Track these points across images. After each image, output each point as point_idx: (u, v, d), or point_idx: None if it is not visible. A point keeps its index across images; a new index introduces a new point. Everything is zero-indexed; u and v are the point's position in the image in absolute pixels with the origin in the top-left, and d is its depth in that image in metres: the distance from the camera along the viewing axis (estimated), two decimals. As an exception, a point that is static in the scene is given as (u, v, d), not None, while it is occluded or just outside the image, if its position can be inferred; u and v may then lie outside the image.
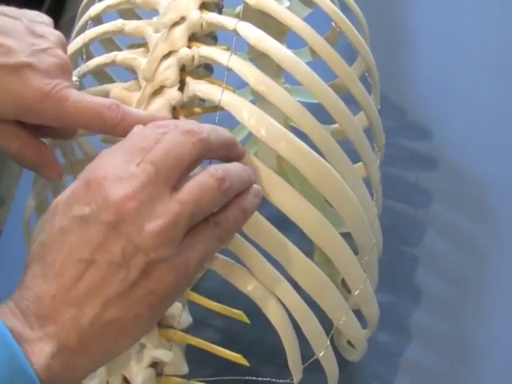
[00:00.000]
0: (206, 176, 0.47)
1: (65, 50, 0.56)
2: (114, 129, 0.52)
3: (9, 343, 0.42)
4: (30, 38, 0.53)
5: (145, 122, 0.51)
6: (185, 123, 0.48)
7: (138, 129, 0.50)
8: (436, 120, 0.76)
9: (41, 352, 0.42)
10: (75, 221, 0.44)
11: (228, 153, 0.51)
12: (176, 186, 0.46)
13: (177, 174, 0.46)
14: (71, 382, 0.45)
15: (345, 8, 0.62)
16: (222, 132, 0.50)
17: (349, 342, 0.63)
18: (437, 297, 0.70)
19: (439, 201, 0.73)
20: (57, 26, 0.57)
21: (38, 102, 0.51)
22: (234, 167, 0.49)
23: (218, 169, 0.47)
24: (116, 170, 0.45)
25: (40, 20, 0.56)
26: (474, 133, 0.76)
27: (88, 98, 0.52)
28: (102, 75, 0.67)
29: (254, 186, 0.50)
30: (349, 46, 0.60)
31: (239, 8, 0.64)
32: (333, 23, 0.63)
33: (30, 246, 0.63)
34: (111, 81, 0.68)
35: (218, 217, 0.48)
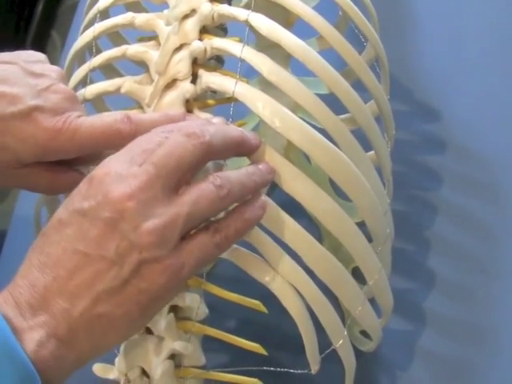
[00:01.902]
0: (205, 182, 0.47)
1: (65, 82, 0.56)
2: (132, 140, 0.52)
3: (2, 329, 0.42)
4: (30, 79, 0.54)
5: (158, 124, 0.52)
6: (188, 126, 0.48)
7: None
8: (444, 103, 0.76)
9: (31, 340, 0.43)
10: (74, 214, 0.45)
11: (236, 151, 0.51)
12: (177, 188, 0.47)
13: (177, 175, 0.47)
14: (58, 373, 0.45)
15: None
16: (229, 131, 0.50)
17: (361, 332, 0.63)
18: (450, 282, 0.69)
19: (450, 184, 0.73)
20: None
21: (52, 140, 0.52)
22: (236, 174, 0.50)
23: (217, 176, 0.48)
24: (118, 168, 0.46)
25: (35, 59, 0.56)
26: (483, 115, 0.76)
27: (99, 120, 0.53)
28: (108, 68, 0.67)
29: (262, 197, 0.51)
30: (354, 32, 0.60)
31: (246, 0, 0.64)
32: (340, 12, 0.63)
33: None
34: (118, 74, 0.68)
35: (219, 224, 0.49)
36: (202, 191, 0.47)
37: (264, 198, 0.51)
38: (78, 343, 0.45)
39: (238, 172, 0.50)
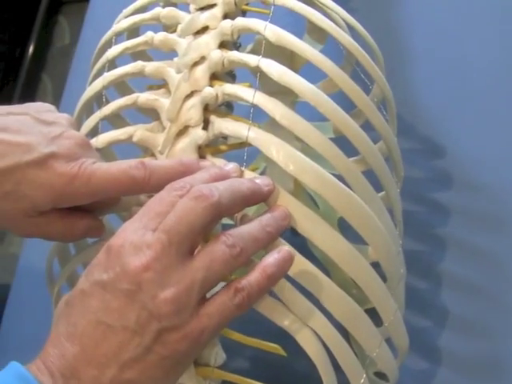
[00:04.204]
0: (217, 243, 0.48)
1: (76, 128, 0.57)
2: (146, 186, 0.53)
3: None
4: (43, 127, 0.55)
5: (173, 170, 0.53)
6: (197, 188, 0.49)
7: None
8: (449, 138, 0.76)
9: None
10: (95, 286, 0.47)
11: (248, 204, 0.52)
12: (190, 251, 0.48)
13: (189, 240, 0.47)
14: None
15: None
16: (239, 186, 0.51)
17: (376, 374, 0.63)
18: (463, 318, 0.69)
19: (459, 220, 0.72)
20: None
21: (68, 186, 0.52)
22: (248, 229, 0.50)
23: (229, 235, 0.48)
24: (133, 237, 0.47)
25: (45, 109, 0.57)
26: (489, 148, 0.75)
27: (114, 166, 0.54)
28: (116, 118, 0.67)
29: (285, 248, 0.51)
30: (358, 73, 0.61)
31: (250, 46, 0.65)
32: (345, 54, 0.64)
33: (53, 296, 0.63)
34: (125, 123, 0.68)
35: (240, 284, 0.49)
36: (214, 253, 0.47)
37: (287, 248, 0.51)
38: None
39: (250, 226, 0.50)
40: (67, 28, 2.02)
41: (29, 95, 1.99)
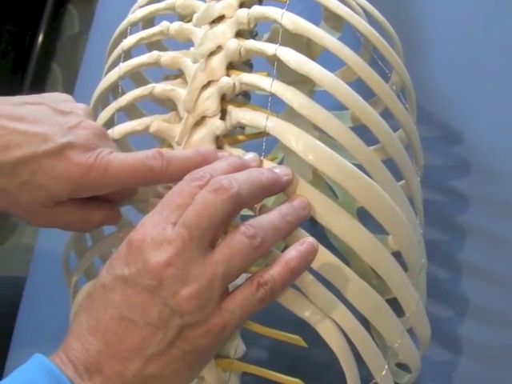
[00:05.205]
0: (237, 235, 0.47)
1: (93, 118, 0.57)
2: (164, 176, 0.53)
3: None
4: (59, 117, 0.54)
5: (190, 161, 0.52)
6: (216, 180, 0.48)
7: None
8: (467, 125, 0.75)
9: None
10: (116, 280, 0.47)
11: (267, 194, 0.51)
12: (211, 244, 0.47)
13: (210, 233, 0.47)
14: None
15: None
16: (257, 176, 0.50)
17: (397, 365, 0.62)
18: (484, 308, 0.68)
19: (479, 208, 0.71)
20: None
21: (85, 176, 0.52)
22: (268, 219, 0.49)
23: (249, 225, 0.48)
24: (153, 231, 0.47)
25: (62, 99, 0.57)
26: (507, 135, 0.75)
27: (131, 156, 0.53)
28: (131, 109, 0.67)
29: (309, 240, 0.50)
30: (376, 62, 0.60)
31: (266, 35, 0.64)
32: (363, 43, 0.63)
33: (71, 287, 0.63)
34: (141, 114, 0.67)
35: (263, 278, 0.48)
36: (234, 246, 0.47)
37: (312, 240, 0.50)
38: None
39: (270, 216, 0.50)
40: (77, 16, 2.01)
41: (39, 84, 1.99)
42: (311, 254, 0.49)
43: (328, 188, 0.70)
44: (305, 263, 0.49)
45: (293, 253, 0.49)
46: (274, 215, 0.50)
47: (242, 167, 0.51)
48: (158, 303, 0.46)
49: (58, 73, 2.03)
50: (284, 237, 0.50)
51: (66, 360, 0.46)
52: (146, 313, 0.46)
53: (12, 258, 1.89)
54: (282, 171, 0.52)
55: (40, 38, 2.02)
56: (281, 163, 0.69)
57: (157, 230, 0.47)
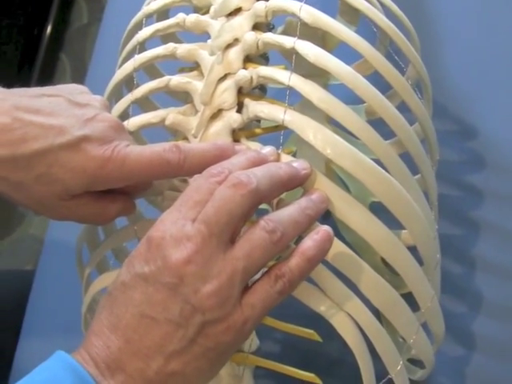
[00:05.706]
0: (256, 229, 0.47)
1: (109, 111, 0.57)
2: (180, 170, 0.52)
3: None
4: (76, 110, 0.54)
5: (208, 154, 0.52)
6: (235, 175, 0.48)
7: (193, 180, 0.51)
8: (483, 120, 0.74)
9: None
10: (136, 278, 0.46)
11: (286, 188, 0.51)
12: (231, 240, 0.47)
13: (230, 229, 0.47)
14: None
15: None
16: (276, 171, 0.50)
17: (409, 360, 0.62)
18: (498, 303, 0.68)
19: (493, 204, 0.70)
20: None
21: (101, 169, 0.52)
22: (288, 213, 0.49)
23: (269, 220, 0.47)
24: (172, 228, 0.46)
25: (78, 91, 0.57)
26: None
27: (148, 149, 0.53)
28: (145, 101, 0.66)
29: (323, 229, 0.49)
30: (391, 56, 0.60)
31: (280, 28, 0.64)
32: (379, 36, 0.63)
33: (83, 280, 0.63)
34: (154, 106, 0.67)
35: (280, 270, 0.48)
36: (254, 241, 0.47)
37: (327, 228, 0.49)
38: None
39: (290, 210, 0.49)
40: (85, 7, 2.01)
41: (47, 75, 1.99)
42: (327, 242, 0.49)
43: (341, 182, 0.70)
44: (321, 252, 0.49)
45: (309, 242, 0.49)
46: (294, 209, 0.49)
47: (260, 161, 0.51)
48: (178, 300, 0.45)
49: (66, 64, 2.03)
50: (303, 231, 0.50)
51: (87, 357, 0.46)
52: (167, 310, 0.45)
53: (19, 249, 1.89)
54: (300, 165, 0.52)
55: (49, 29, 2.02)
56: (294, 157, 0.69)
57: (176, 227, 0.46)
